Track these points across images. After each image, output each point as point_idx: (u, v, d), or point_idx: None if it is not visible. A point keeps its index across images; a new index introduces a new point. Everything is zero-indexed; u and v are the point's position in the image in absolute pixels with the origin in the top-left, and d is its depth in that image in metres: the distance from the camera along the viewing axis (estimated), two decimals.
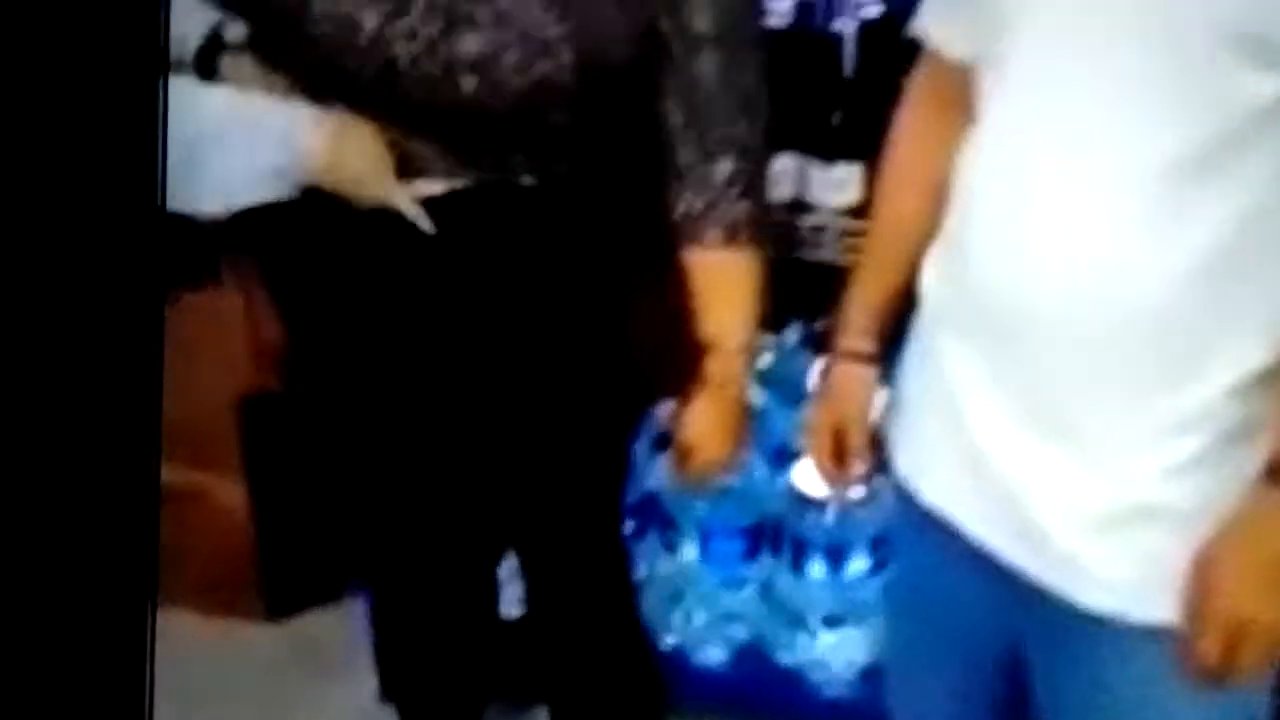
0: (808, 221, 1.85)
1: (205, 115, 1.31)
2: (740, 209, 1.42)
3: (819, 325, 2.05)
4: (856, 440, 1.38)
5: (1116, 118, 1.10)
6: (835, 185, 1.83)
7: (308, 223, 1.44)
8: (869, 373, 1.37)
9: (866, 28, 1.80)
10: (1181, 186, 1.08)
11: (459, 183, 1.40)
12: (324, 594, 2.36)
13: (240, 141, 1.32)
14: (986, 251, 1.20)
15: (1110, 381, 1.15)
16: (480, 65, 1.31)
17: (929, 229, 1.31)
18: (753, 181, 1.44)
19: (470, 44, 1.31)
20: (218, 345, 1.95)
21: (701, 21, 1.38)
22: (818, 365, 2.03)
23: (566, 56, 1.33)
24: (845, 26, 1.81)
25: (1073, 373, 1.16)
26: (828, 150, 1.83)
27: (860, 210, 1.82)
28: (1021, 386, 1.19)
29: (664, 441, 2.04)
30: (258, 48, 1.42)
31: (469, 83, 1.32)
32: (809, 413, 1.45)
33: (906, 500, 1.35)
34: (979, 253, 1.21)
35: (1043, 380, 1.18)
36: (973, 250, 1.22)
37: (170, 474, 1.58)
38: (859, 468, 1.40)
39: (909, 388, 1.35)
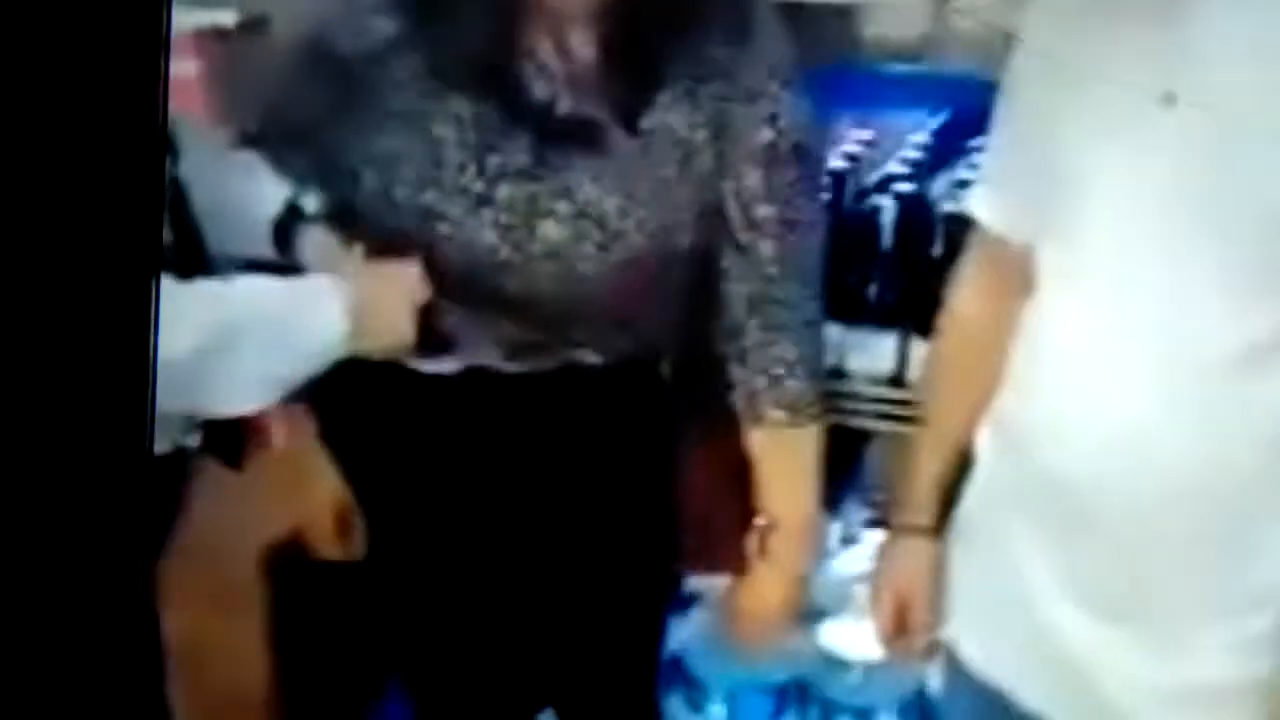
0: (842, 389, 1.89)
1: (222, 315, 1.31)
2: (804, 387, 1.46)
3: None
4: (921, 614, 1.41)
5: (1196, 299, 1.14)
6: (871, 354, 1.88)
7: (368, 383, 1.48)
8: (930, 546, 1.41)
9: (903, 203, 1.87)
10: (1260, 367, 1.13)
11: (529, 366, 1.45)
12: None
13: (266, 339, 1.32)
14: (1055, 431, 1.24)
15: (1179, 561, 1.19)
16: (559, 253, 1.37)
17: (987, 404, 1.35)
18: (815, 359, 1.48)
19: (551, 233, 1.36)
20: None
21: (764, 206, 1.44)
22: (832, 526, 2.08)
23: (639, 243, 1.38)
24: (883, 201, 1.87)
25: (1142, 552, 1.19)
26: (864, 320, 1.88)
27: (895, 380, 1.88)
28: (1089, 565, 1.23)
29: (687, 603, 2.08)
30: (335, 220, 1.47)
31: (547, 269, 1.37)
32: (872, 587, 1.48)
33: (957, 669, 1.37)
34: (1046, 432, 1.25)
35: (1111, 559, 1.21)
36: (1039, 429, 1.26)
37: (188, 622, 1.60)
38: (923, 639, 1.43)
39: (964, 560, 1.38)
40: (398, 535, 1.57)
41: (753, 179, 1.42)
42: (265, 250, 1.49)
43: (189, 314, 1.27)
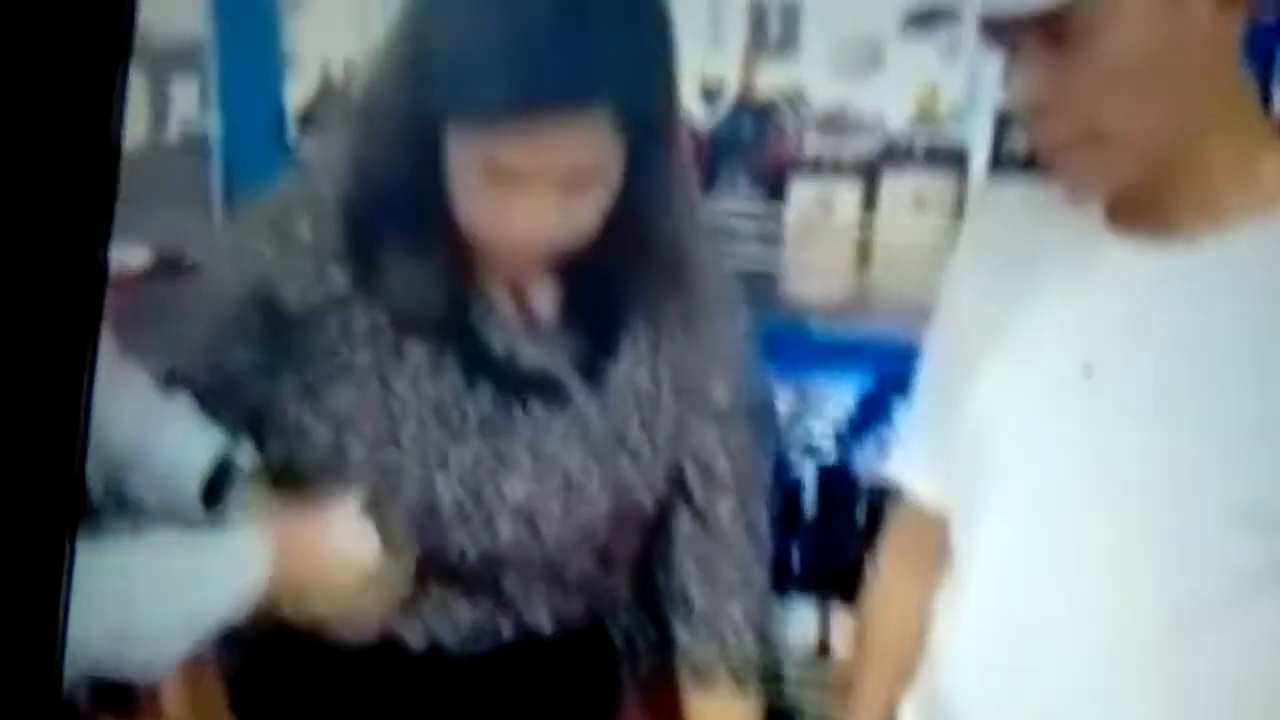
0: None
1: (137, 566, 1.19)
2: (750, 653, 1.41)
3: None
4: None
5: (1111, 575, 1.09)
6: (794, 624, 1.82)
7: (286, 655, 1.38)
8: None
9: (824, 472, 1.84)
10: (1176, 647, 1.08)
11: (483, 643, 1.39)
12: None
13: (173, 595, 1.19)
14: (975, 707, 1.18)
15: None
16: (523, 512, 1.31)
17: (911, 678, 1.30)
18: (764, 624, 1.43)
19: (515, 490, 1.30)
20: None
21: (721, 466, 1.41)
22: None
23: (603, 504, 1.34)
24: (804, 471, 1.85)
25: None
26: (787, 589, 1.83)
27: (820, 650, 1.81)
28: None
29: None
30: (279, 480, 1.34)
31: (509, 529, 1.31)
32: None
33: None
34: (966, 708, 1.19)
35: None
36: (959, 706, 1.20)
37: None
38: None
39: None
40: None
41: (711, 438, 1.40)
42: (193, 510, 1.32)
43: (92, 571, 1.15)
